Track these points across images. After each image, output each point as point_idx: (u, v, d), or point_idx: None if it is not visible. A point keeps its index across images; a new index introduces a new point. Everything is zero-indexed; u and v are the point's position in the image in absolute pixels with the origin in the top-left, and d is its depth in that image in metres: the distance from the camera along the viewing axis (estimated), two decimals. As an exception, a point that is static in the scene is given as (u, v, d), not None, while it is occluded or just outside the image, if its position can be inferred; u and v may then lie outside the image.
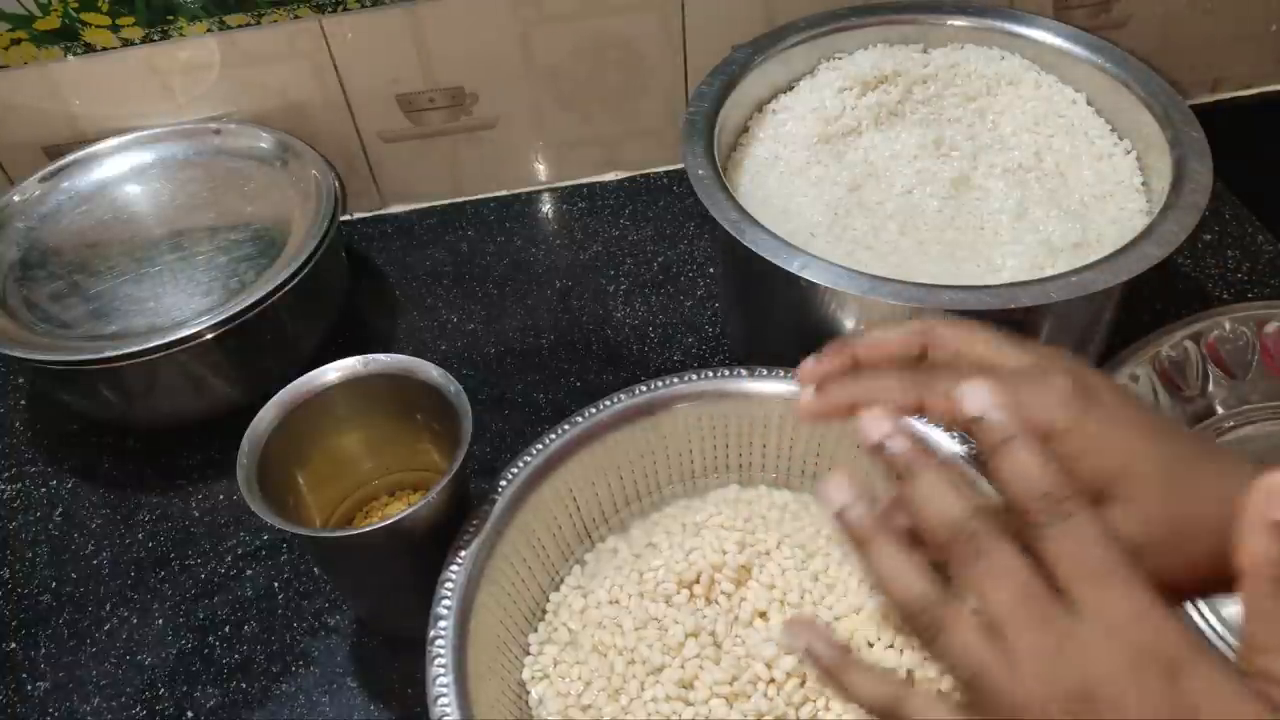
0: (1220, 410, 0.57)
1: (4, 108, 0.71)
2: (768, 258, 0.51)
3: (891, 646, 0.45)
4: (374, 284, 0.75)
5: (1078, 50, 0.63)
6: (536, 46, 0.74)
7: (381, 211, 0.82)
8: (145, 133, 0.72)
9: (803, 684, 0.44)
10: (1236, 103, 0.84)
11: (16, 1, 0.67)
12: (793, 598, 0.47)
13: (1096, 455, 0.32)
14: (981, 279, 0.53)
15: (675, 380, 0.51)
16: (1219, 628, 0.47)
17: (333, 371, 0.50)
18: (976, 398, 0.31)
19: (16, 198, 0.69)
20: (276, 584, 0.57)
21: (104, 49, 0.70)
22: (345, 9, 0.70)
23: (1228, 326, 0.58)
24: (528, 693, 0.46)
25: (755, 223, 0.53)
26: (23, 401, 0.70)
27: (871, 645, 0.45)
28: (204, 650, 0.55)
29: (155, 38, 0.70)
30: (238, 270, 0.64)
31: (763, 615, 0.47)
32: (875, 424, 0.32)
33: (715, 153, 0.58)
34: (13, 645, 0.56)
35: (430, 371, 0.49)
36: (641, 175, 0.82)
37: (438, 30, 0.72)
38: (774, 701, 0.43)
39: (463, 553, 0.45)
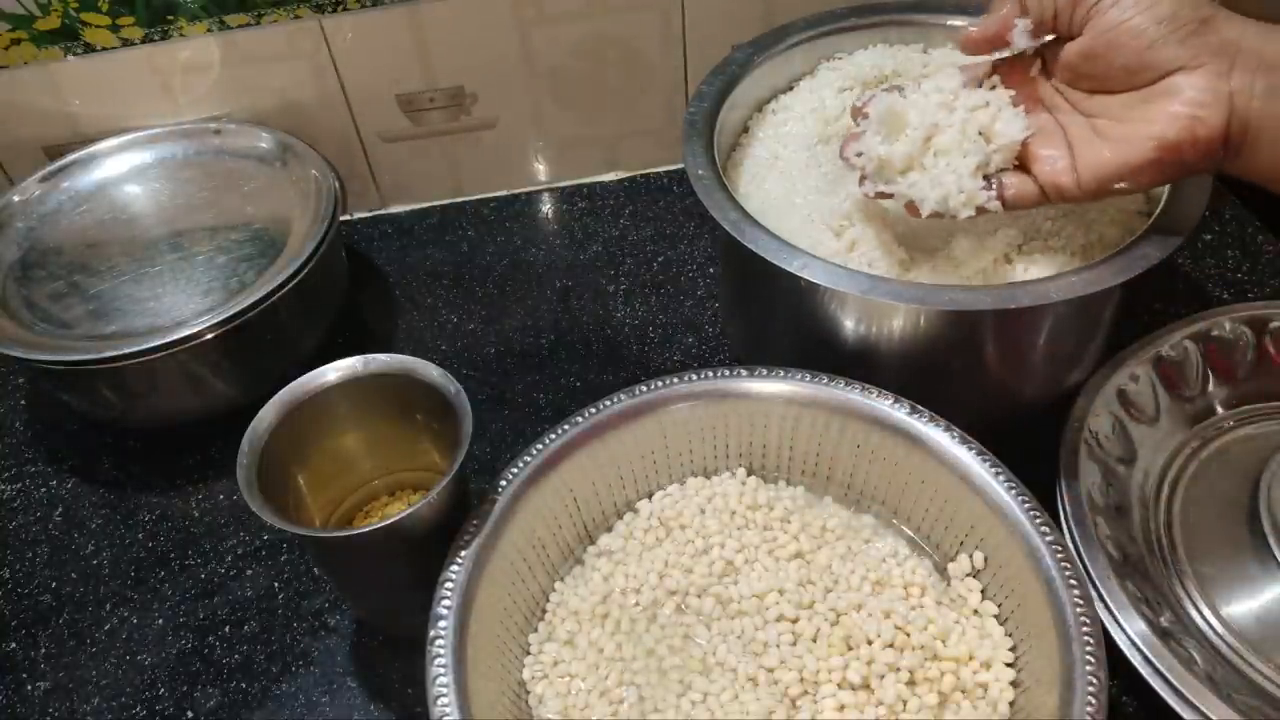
0: (1220, 410, 0.57)
1: (4, 108, 0.71)
2: (768, 258, 0.50)
3: (891, 645, 0.45)
4: (374, 284, 0.75)
5: (1078, 50, 0.63)
6: (536, 46, 0.74)
7: (381, 211, 0.82)
8: (145, 133, 0.73)
9: (802, 680, 0.44)
10: (1236, 103, 0.84)
11: (16, 1, 0.67)
12: (792, 595, 0.47)
13: None
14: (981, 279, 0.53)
15: (675, 380, 0.51)
16: (1218, 627, 0.48)
17: (333, 371, 0.50)
18: None
19: (16, 198, 0.69)
20: (276, 584, 0.57)
21: (104, 49, 0.70)
22: (345, 9, 0.70)
23: (1228, 326, 0.57)
24: (528, 692, 0.46)
25: (755, 223, 0.53)
26: (23, 401, 0.70)
27: (870, 642, 0.45)
28: (204, 650, 0.55)
29: (155, 38, 0.70)
30: (238, 270, 0.64)
31: (763, 613, 0.47)
32: None
33: (715, 153, 0.58)
34: (13, 645, 0.56)
35: (430, 371, 0.49)
36: (641, 175, 0.82)
37: (438, 30, 0.72)
38: (774, 699, 0.43)
39: (463, 553, 0.45)
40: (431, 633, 0.42)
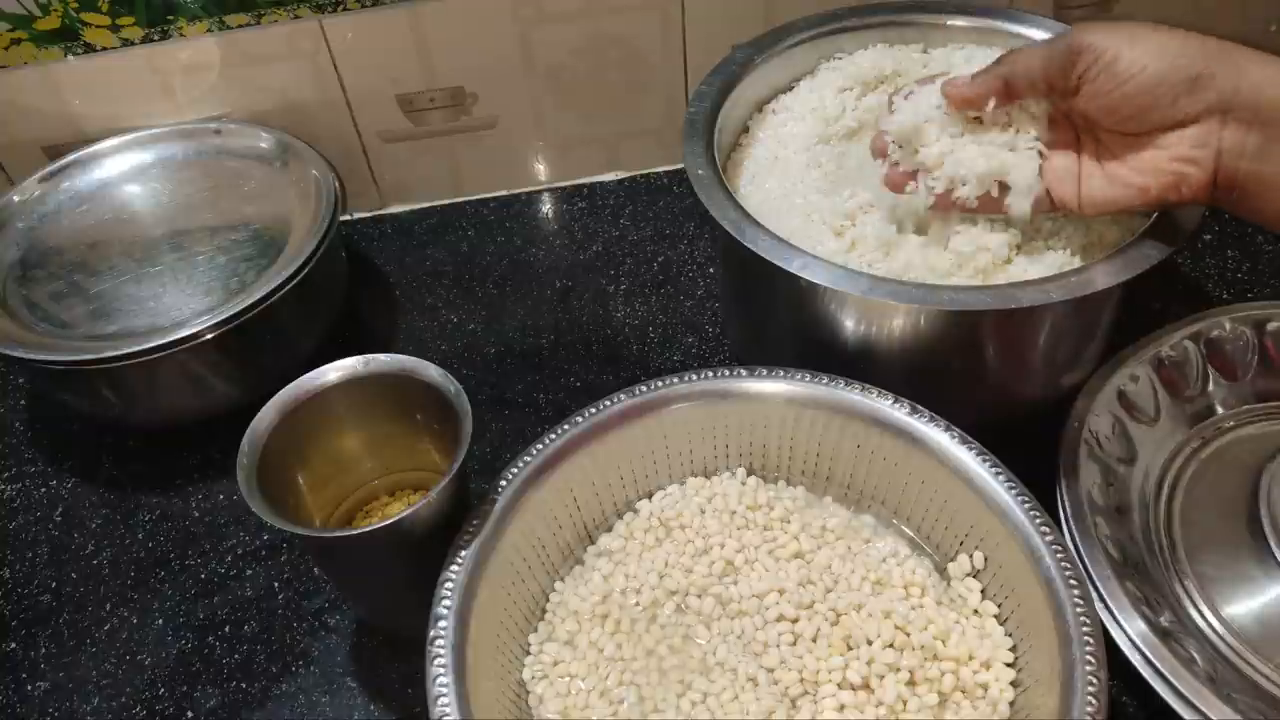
0: (1220, 410, 0.57)
1: (4, 108, 0.71)
2: (768, 258, 0.50)
3: (891, 645, 0.45)
4: (374, 284, 0.75)
5: (1078, 50, 0.63)
6: (536, 46, 0.74)
7: (381, 211, 0.82)
8: (145, 133, 0.73)
9: (802, 680, 0.44)
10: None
11: (16, 1, 0.67)
12: (792, 595, 0.47)
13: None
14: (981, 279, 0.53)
15: (675, 380, 0.51)
16: (1218, 627, 0.48)
17: (333, 371, 0.50)
18: None
19: (16, 198, 0.69)
20: (276, 584, 0.57)
21: (104, 49, 0.70)
22: (345, 9, 0.70)
23: (1228, 326, 0.58)
24: (528, 692, 0.46)
25: (755, 223, 0.53)
26: (23, 401, 0.70)
27: (870, 643, 0.45)
28: (204, 650, 0.55)
29: (155, 38, 0.70)
30: (238, 270, 0.64)
31: (763, 613, 0.47)
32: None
33: (715, 153, 0.58)
34: (13, 645, 0.56)
35: (430, 371, 0.49)
36: (641, 175, 0.82)
37: (438, 30, 0.72)
38: (774, 699, 0.43)
39: (463, 553, 0.45)
40: (431, 633, 0.42)
